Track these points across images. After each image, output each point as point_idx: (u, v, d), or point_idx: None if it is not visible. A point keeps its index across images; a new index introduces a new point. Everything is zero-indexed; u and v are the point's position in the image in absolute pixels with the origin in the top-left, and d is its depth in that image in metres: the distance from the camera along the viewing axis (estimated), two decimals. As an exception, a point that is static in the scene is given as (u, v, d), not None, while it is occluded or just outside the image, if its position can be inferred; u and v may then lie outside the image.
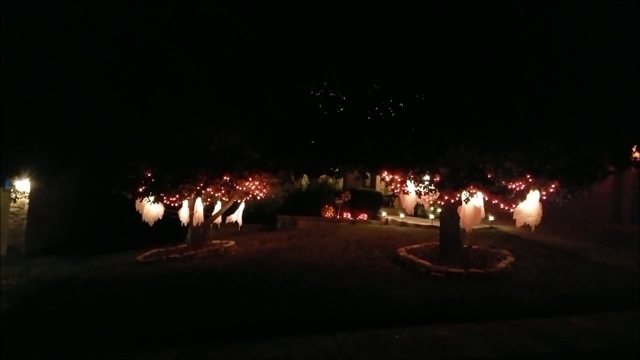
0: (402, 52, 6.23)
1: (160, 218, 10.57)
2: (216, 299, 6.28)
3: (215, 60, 7.14)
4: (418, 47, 6.14)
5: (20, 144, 8.45)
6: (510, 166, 6.85)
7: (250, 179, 9.87)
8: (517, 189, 7.32)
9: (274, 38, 6.68)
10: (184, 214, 10.73)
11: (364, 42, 6.32)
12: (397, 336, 4.89)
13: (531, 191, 7.41)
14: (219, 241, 11.32)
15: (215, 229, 11.88)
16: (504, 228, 11.84)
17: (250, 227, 13.31)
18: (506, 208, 7.73)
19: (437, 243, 8.90)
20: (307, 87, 7.27)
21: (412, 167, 7.24)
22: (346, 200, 14.44)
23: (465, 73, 5.99)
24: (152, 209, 10.27)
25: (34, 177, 12.02)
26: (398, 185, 8.46)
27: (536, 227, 7.65)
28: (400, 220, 13.71)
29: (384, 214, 14.97)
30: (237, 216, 11.62)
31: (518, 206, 7.64)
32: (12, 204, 12.60)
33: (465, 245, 8.74)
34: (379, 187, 17.16)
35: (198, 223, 10.60)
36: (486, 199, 7.72)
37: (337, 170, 8.27)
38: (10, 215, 12.82)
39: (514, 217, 7.81)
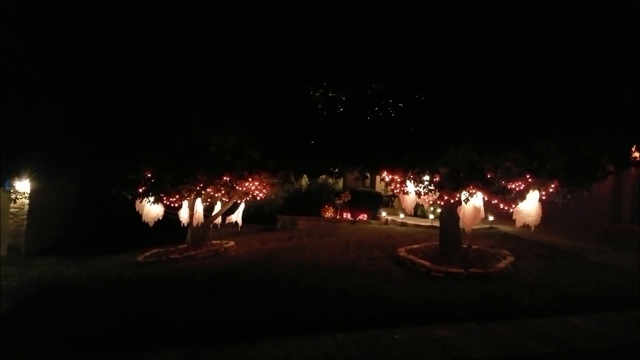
0: (402, 52, 6.24)
1: (160, 218, 10.57)
2: (216, 299, 6.27)
3: (215, 61, 7.15)
4: (418, 47, 6.15)
5: (20, 144, 8.48)
6: (509, 166, 6.84)
7: (250, 180, 9.86)
8: (517, 189, 7.31)
9: (273, 38, 6.69)
10: (184, 215, 10.73)
11: (363, 42, 6.33)
12: (397, 336, 4.89)
13: (531, 191, 7.40)
14: (219, 241, 11.31)
15: (215, 229, 11.89)
16: (504, 228, 11.83)
17: (250, 228, 13.31)
18: (506, 208, 7.72)
19: (437, 243, 8.89)
20: (307, 87, 7.28)
21: (411, 167, 7.24)
22: (346, 200, 14.41)
23: (465, 73, 6.00)
24: (152, 210, 10.27)
25: (34, 178, 12.04)
26: (398, 186, 8.44)
27: (536, 227, 7.65)
28: (400, 221, 13.70)
29: (383, 214, 14.95)
30: (237, 216, 11.61)
31: (518, 206, 7.63)
32: (12, 204, 12.60)
33: (465, 245, 8.73)
34: (379, 187, 17.13)
35: (198, 223, 10.59)
36: (486, 199, 7.70)
37: (337, 170, 8.28)
38: (10, 216, 12.83)
39: (513, 217, 7.81)
